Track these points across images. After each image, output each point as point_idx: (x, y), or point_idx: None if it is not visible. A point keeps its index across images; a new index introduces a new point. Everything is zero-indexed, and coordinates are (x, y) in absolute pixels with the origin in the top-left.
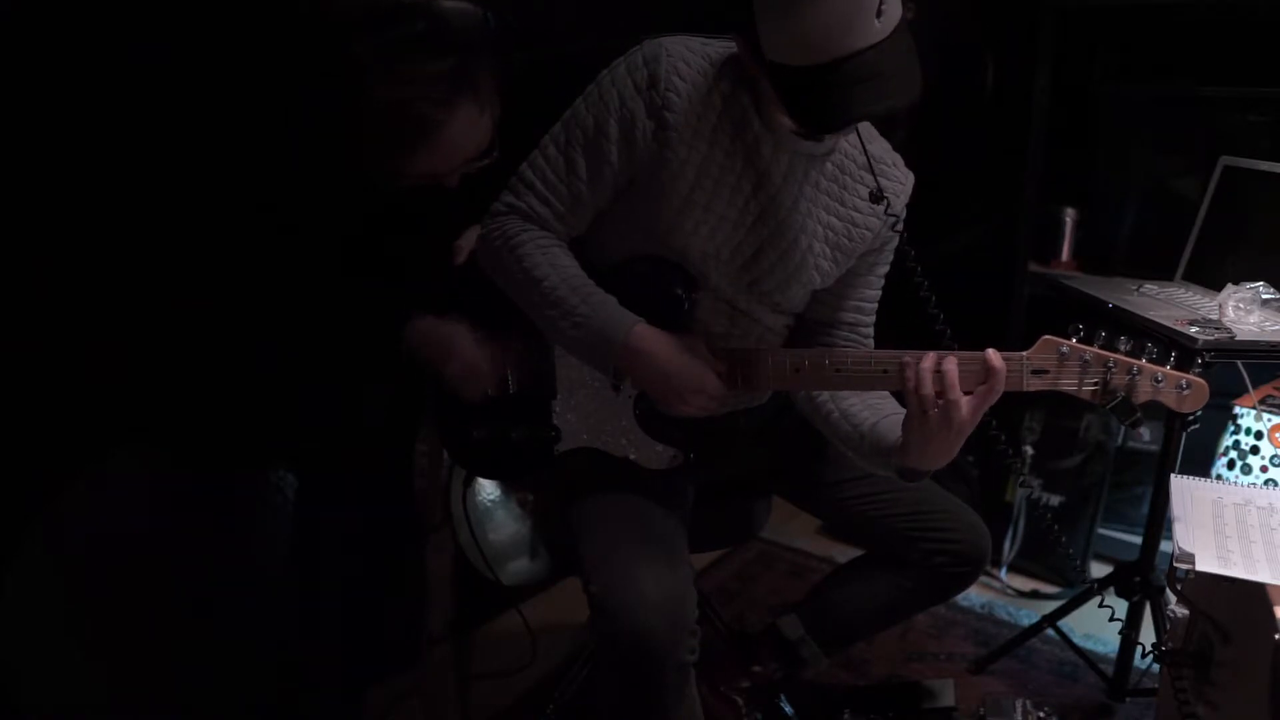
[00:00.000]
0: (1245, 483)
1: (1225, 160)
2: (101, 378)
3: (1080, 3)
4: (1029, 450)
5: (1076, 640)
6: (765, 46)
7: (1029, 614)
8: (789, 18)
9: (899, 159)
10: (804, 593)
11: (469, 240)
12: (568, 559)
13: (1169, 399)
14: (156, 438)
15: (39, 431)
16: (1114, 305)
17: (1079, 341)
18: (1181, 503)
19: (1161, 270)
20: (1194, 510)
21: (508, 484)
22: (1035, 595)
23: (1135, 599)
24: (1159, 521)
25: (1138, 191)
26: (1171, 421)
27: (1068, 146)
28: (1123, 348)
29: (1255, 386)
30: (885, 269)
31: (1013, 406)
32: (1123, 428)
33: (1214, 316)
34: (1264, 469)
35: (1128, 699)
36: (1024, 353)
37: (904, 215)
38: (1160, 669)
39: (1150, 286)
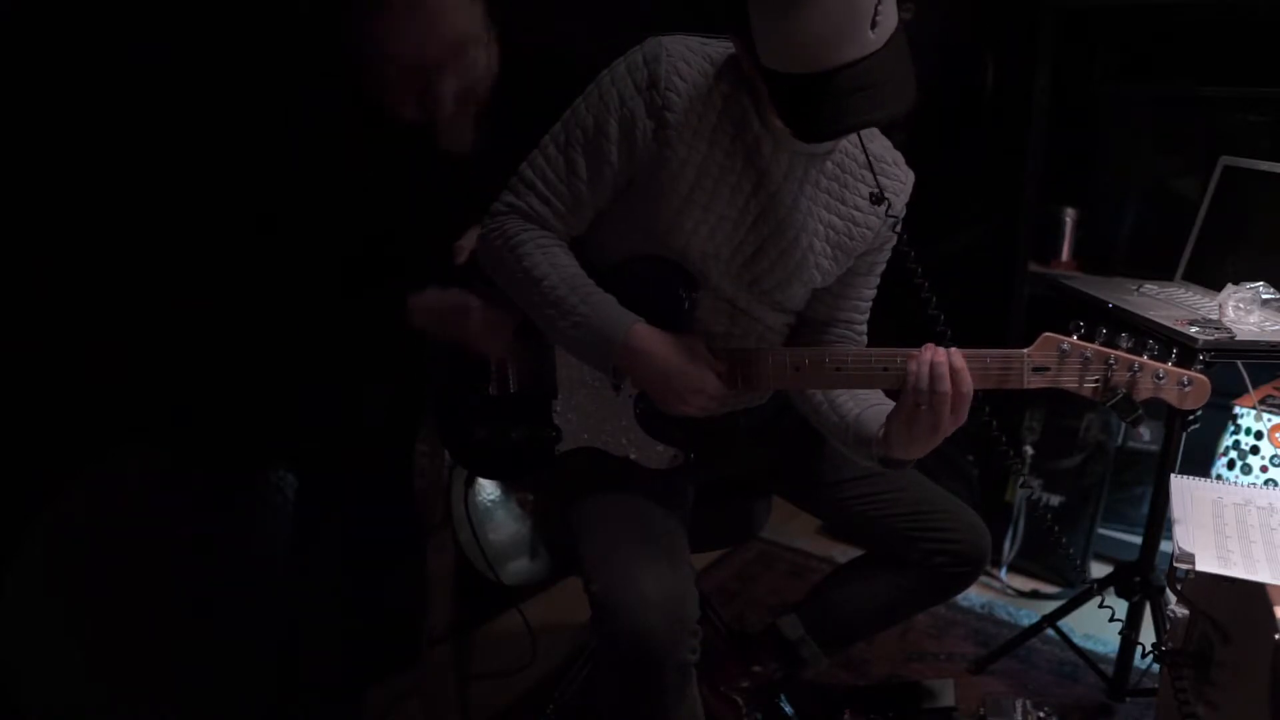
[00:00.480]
0: (1245, 483)
1: (1225, 160)
2: (101, 378)
3: (1080, 3)
4: (1029, 450)
5: (1076, 640)
6: (760, 52)
7: (1029, 614)
8: (782, 26)
9: (899, 157)
10: (804, 593)
11: (470, 240)
12: (568, 559)
13: (1170, 396)
14: (156, 438)
15: (39, 431)
16: (1114, 305)
17: (1080, 339)
18: (1181, 503)
19: (1161, 270)
20: (1194, 510)
21: (508, 484)
22: (1035, 595)
23: (1135, 599)
24: (1159, 521)
25: (1138, 191)
26: (1172, 421)
27: (1068, 146)
28: (1124, 345)
29: (1255, 386)
30: (883, 267)
31: (1013, 406)
32: (1123, 427)
33: (1214, 316)
34: (1264, 469)
35: (1128, 699)
36: (1025, 350)
37: (904, 214)
38: (1160, 669)
39: (1150, 286)
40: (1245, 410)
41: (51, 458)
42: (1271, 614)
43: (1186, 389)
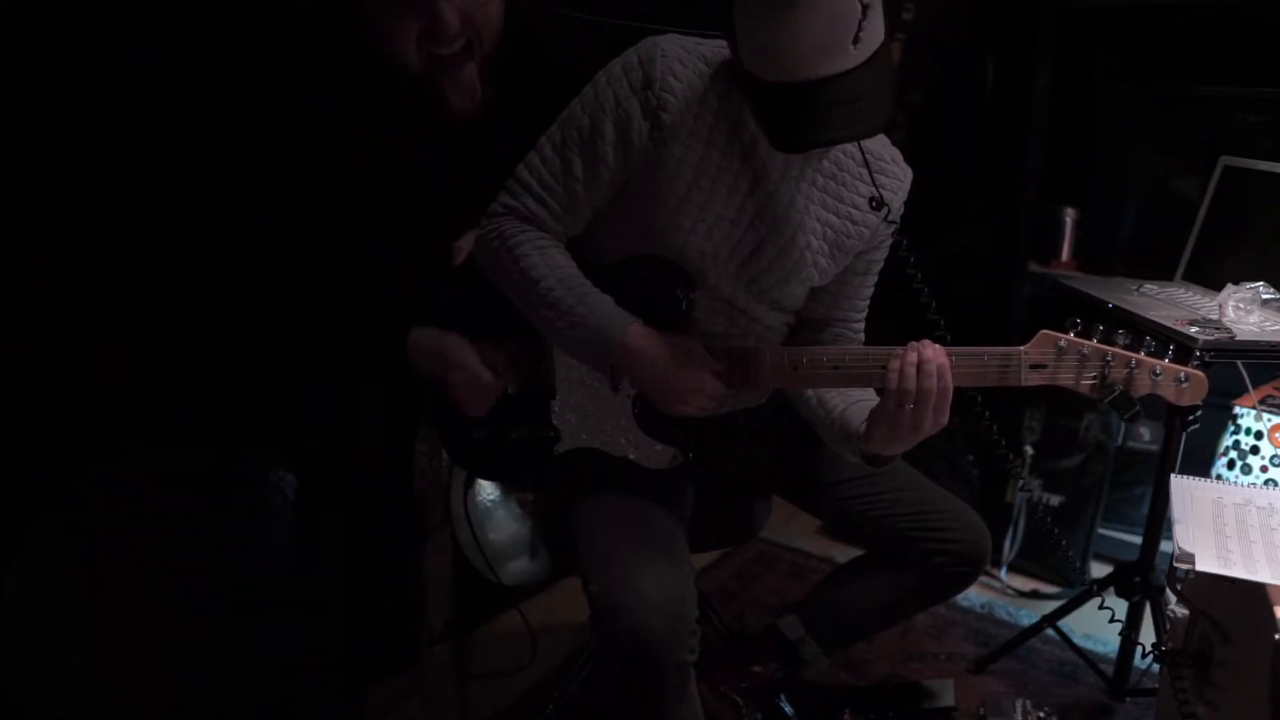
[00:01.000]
0: (1245, 483)
1: (1225, 160)
2: (102, 377)
3: (1080, 3)
4: (1029, 450)
5: (1076, 640)
6: (744, 57)
7: (1029, 614)
8: (763, 34)
9: (897, 154)
10: (804, 593)
11: (468, 242)
12: (568, 559)
13: (1168, 392)
14: (156, 438)
15: (39, 431)
16: (1114, 305)
17: (1077, 335)
18: (1181, 503)
19: (1161, 270)
20: (1194, 510)
21: (507, 484)
22: (1035, 595)
23: (1135, 599)
24: (1159, 521)
25: (1138, 191)
26: (1171, 421)
27: (1068, 146)
28: (1121, 341)
29: (1255, 386)
30: (880, 265)
31: (1013, 406)
32: (1123, 427)
33: (1214, 316)
34: (1264, 469)
35: (1128, 699)
36: (1022, 347)
37: (902, 211)
38: (1160, 669)
39: (1150, 286)
40: (1245, 410)
41: (51, 458)
42: (1271, 614)
43: (1183, 385)
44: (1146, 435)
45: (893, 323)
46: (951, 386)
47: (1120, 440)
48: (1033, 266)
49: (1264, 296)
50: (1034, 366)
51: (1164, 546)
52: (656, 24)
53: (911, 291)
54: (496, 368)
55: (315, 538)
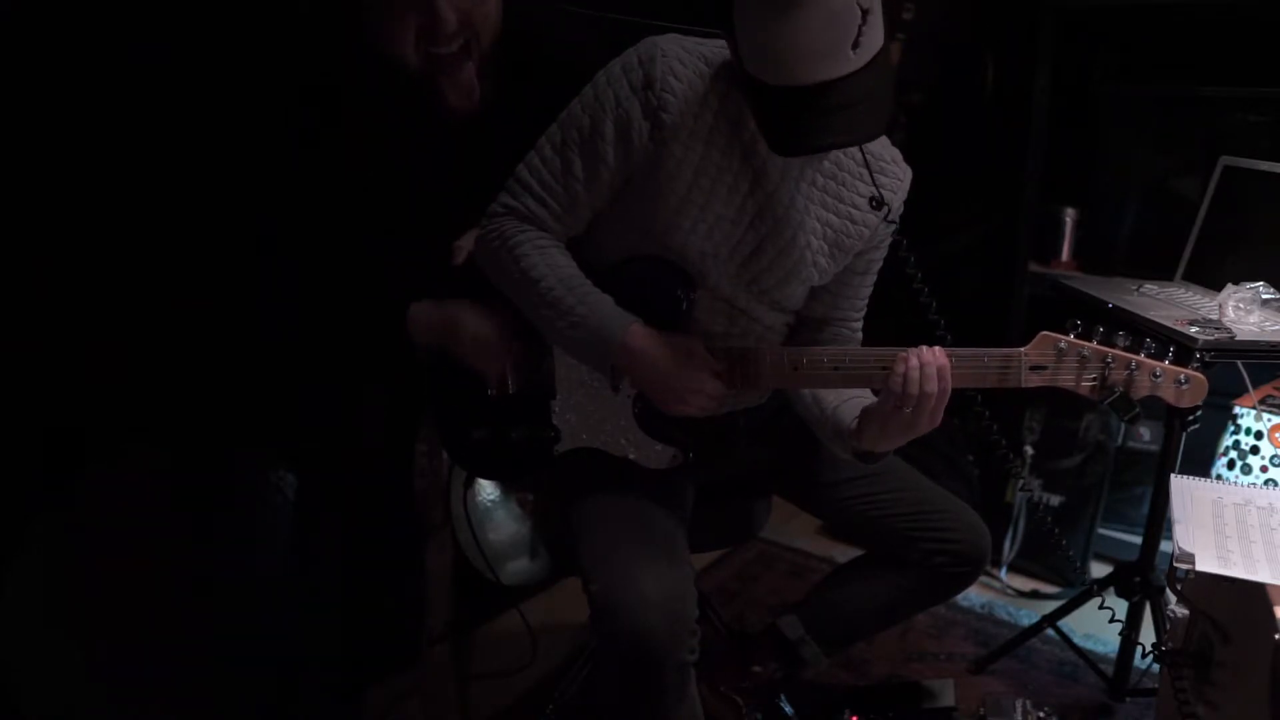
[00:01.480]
0: (1245, 483)
1: (1225, 160)
2: (102, 377)
3: (1080, 3)
4: (1029, 450)
5: (1076, 640)
6: (744, 58)
7: (1029, 614)
8: (762, 37)
9: (897, 154)
10: (804, 593)
11: (468, 241)
12: (568, 559)
13: (1168, 394)
14: (157, 437)
15: (39, 431)
16: (1114, 305)
17: (1077, 337)
18: (1181, 503)
19: (1161, 270)
20: (1194, 510)
21: (508, 484)
22: (1035, 595)
23: (1135, 599)
24: (1159, 521)
25: (1138, 191)
26: (1171, 421)
27: (1068, 146)
28: (1121, 343)
29: (1255, 386)
30: (880, 265)
31: (1013, 407)
32: (1123, 427)
33: (1214, 316)
34: (1264, 469)
35: (1128, 699)
36: (1022, 349)
37: (901, 211)
38: (1160, 669)
39: (1150, 286)
40: (1245, 410)
41: (51, 458)
42: (1271, 614)
43: (1183, 387)
44: (1146, 435)
45: (893, 323)
46: (950, 389)
47: (1120, 440)
48: (1033, 266)
49: (1264, 296)
50: (1034, 368)
51: (1164, 546)
52: (656, 20)
53: (911, 292)
54: (504, 322)
55: (315, 538)
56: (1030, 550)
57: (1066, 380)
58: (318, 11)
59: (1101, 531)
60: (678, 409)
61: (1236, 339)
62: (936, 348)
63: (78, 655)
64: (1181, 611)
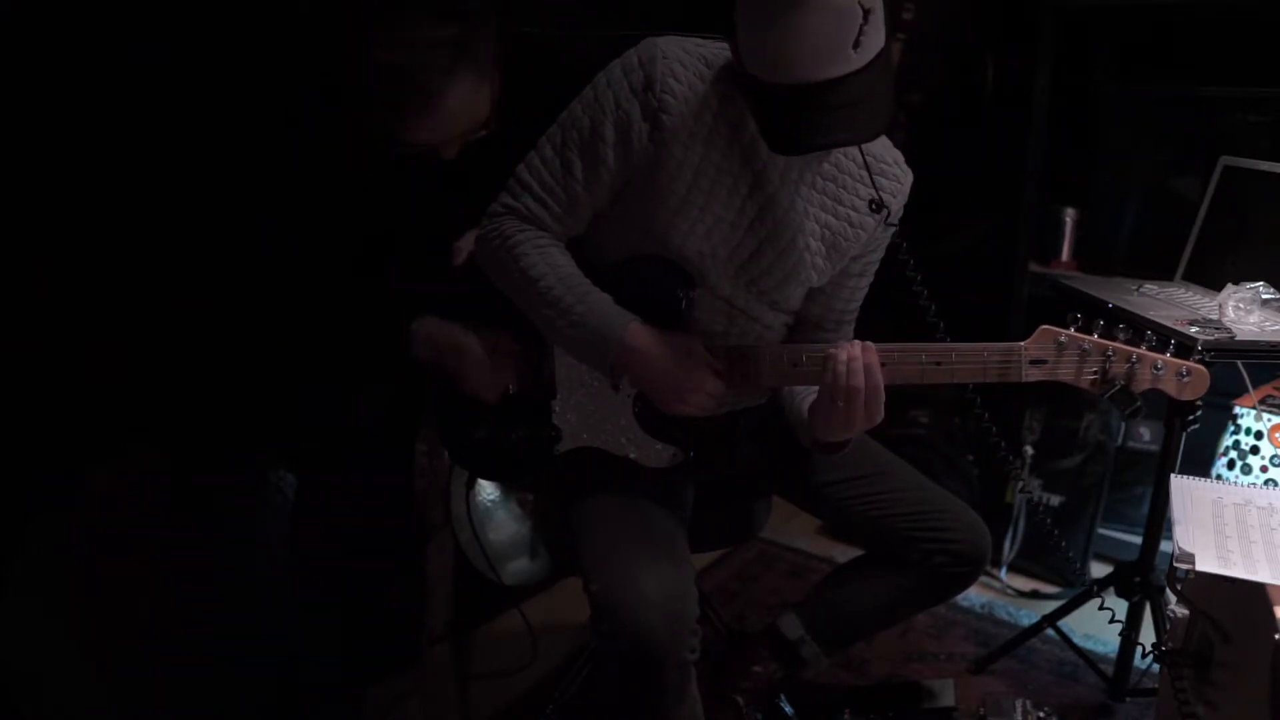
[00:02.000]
0: (1245, 483)
1: (1225, 160)
2: (102, 378)
3: (1080, 3)
4: (1029, 450)
5: (1076, 640)
6: (744, 58)
7: (1029, 614)
8: (764, 36)
9: (899, 156)
10: (804, 593)
11: (468, 242)
12: (568, 559)
13: (1169, 386)
14: (156, 438)
15: (39, 431)
16: (1114, 305)
17: (1077, 331)
18: (1181, 503)
19: (1161, 270)
20: (1194, 510)
21: (508, 484)
22: (1035, 595)
23: (1135, 599)
24: (1159, 521)
25: (1138, 191)
26: (1172, 421)
27: (1068, 146)
28: (1121, 336)
29: (1255, 386)
30: (876, 267)
31: (1012, 406)
32: (1123, 427)
33: (1214, 316)
34: (1264, 469)
35: (1128, 699)
36: (1022, 343)
37: (901, 214)
38: (1160, 669)
39: (1150, 286)
40: (1245, 410)
41: (51, 458)
42: (1271, 614)
43: (1185, 379)
44: (1146, 435)
45: (893, 323)
46: (881, 386)
47: (1120, 440)
48: (1033, 266)
49: (1264, 296)
50: (1034, 362)
51: (1164, 546)
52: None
53: (911, 293)
54: (503, 354)
55: (315, 538)
56: (1030, 550)
57: (1067, 374)
58: (318, 10)
59: (1101, 531)
60: (677, 408)
61: (1236, 339)
62: (867, 343)
63: (77, 655)
64: (1181, 611)
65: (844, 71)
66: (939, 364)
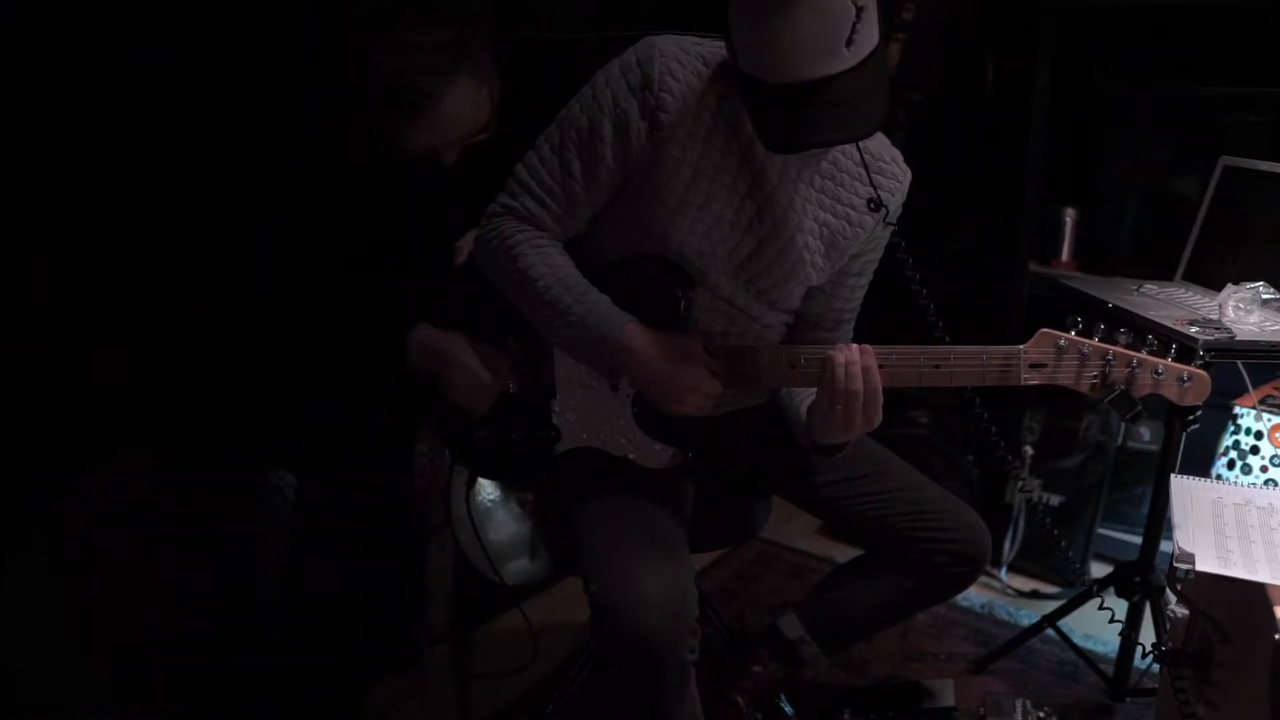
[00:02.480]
0: (1245, 483)
1: (1225, 160)
2: (102, 377)
3: (1080, 3)
4: (1029, 450)
5: (1076, 640)
6: (739, 56)
7: (1029, 614)
8: (757, 34)
9: (898, 155)
10: (804, 593)
11: (468, 242)
12: (568, 559)
13: (1170, 392)
14: (156, 438)
15: (39, 431)
16: (1114, 305)
17: (1077, 334)
18: (1181, 503)
19: (1161, 270)
20: (1194, 510)
21: (508, 484)
22: (1035, 595)
23: (1135, 599)
24: (1159, 521)
25: (1138, 191)
26: (1171, 421)
27: (1068, 146)
28: (1122, 340)
29: (1255, 386)
30: (875, 266)
31: (1012, 407)
32: (1123, 427)
33: (1214, 316)
34: (1264, 469)
35: (1128, 699)
36: (1021, 346)
37: (900, 213)
38: (1160, 669)
39: (1150, 286)
40: (1245, 410)
41: (51, 458)
42: (1271, 614)
43: (1186, 385)
44: (1146, 435)
45: (893, 323)
46: (880, 389)
47: (1120, 440)
48: (1033, 266)
49: (1264, 296)
50: (1033, 366)
51: (1164, 546)
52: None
53: (911, 293)
54: (496, 368)
55: (315, 538)
56: (1030, 550)
57: (1066, 378)
58: (318, 12)
59: (1101, 531)
60: (676, 408)
61: (1236, 339)
62: (865, 346)
63: (78, 655)
64: (1181, 611)
65: (837, 70)
66: (938, 367)
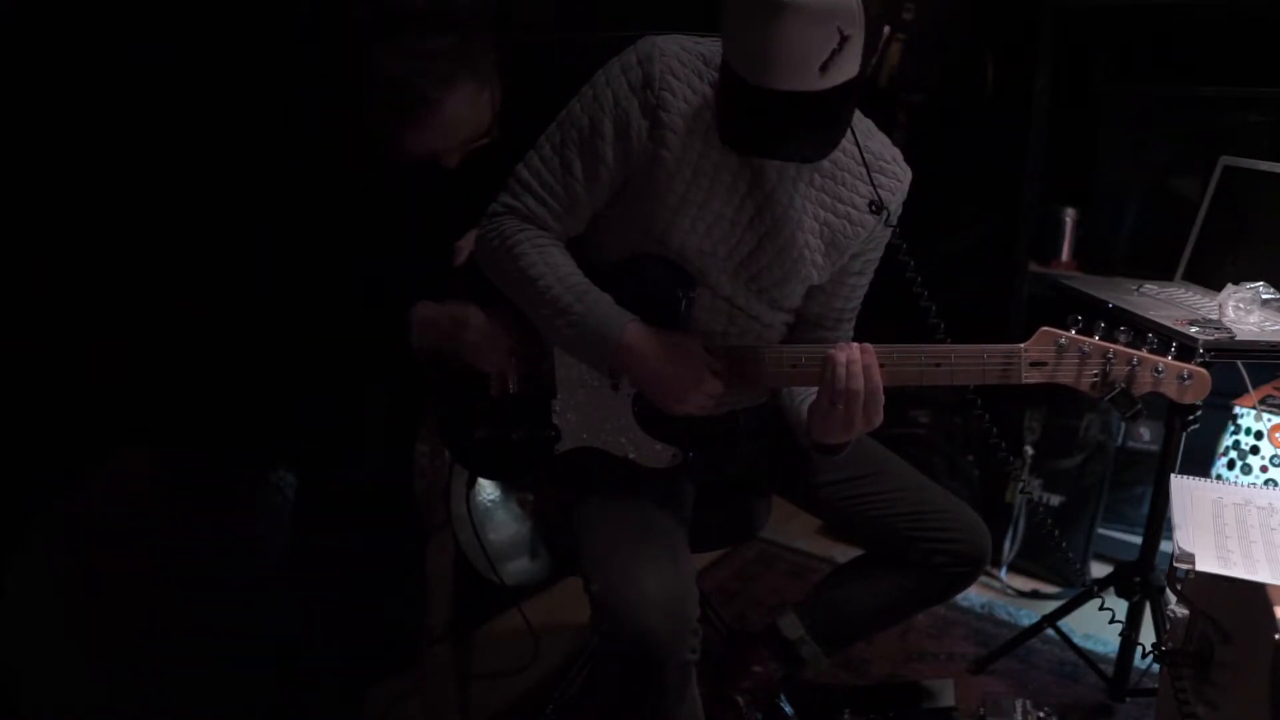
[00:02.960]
0: (1245, 483)
1: (1225, 160)
2: (102, 377)
3: (1080, 3)
4: (1029, 450)
5: (1076, 640)
6: (723, 44)
7: (1029, 614)
8: (740, 33)
9: (898, 154)
10: (804, 593)
11: (469, 241)
12: (568, 559)
13: (1170, 390)
14: (156, 437)
15: (39, 431)
16: (1114, 305)
17: (1078, 333)
18: (1181, 503)
19: (1161, 270)
20: (1194, 510)
21: (508, 484)
22: (1035, 595)
23: (1135, 599)
24: (1159, 521)
25: (1138, 191)
26: (1172, 421)
27: (1068, 146)
28: (1122, 339)
29: (1255, 386)
30: (876, 265)
31: (1013, 406)
32: (1123, 427)
33: (1214, 316)
34: (1264, 469)
35: (1128, 699)
36: (1022, 345)
37: (900, 212)
38: (1160, 669)
39: (1150, 286)
40: (1245, 410)
41: (52, 457)
42: (1271, 614)
43: (1186, 383)
44: (1146, 435)
45: (893, 323)
46: (881, 388)
47: (1120, 440)
48: (1033, 266)
49: (1264, 296)
50: (1034, 364)
51: (1164, 546)
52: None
53: (912, 294)
54: (504, 323)
55: (315, 538)
56: (1030, 550)
57: (1066, 376)
58: (317, 14)
59: (1101, 531)
60: (676, 408)
61: (1236, 339)
62: (866, 345)
63: (78, 655)
64: (1181, 611)
65: (805, 88)
66: (938, 365)
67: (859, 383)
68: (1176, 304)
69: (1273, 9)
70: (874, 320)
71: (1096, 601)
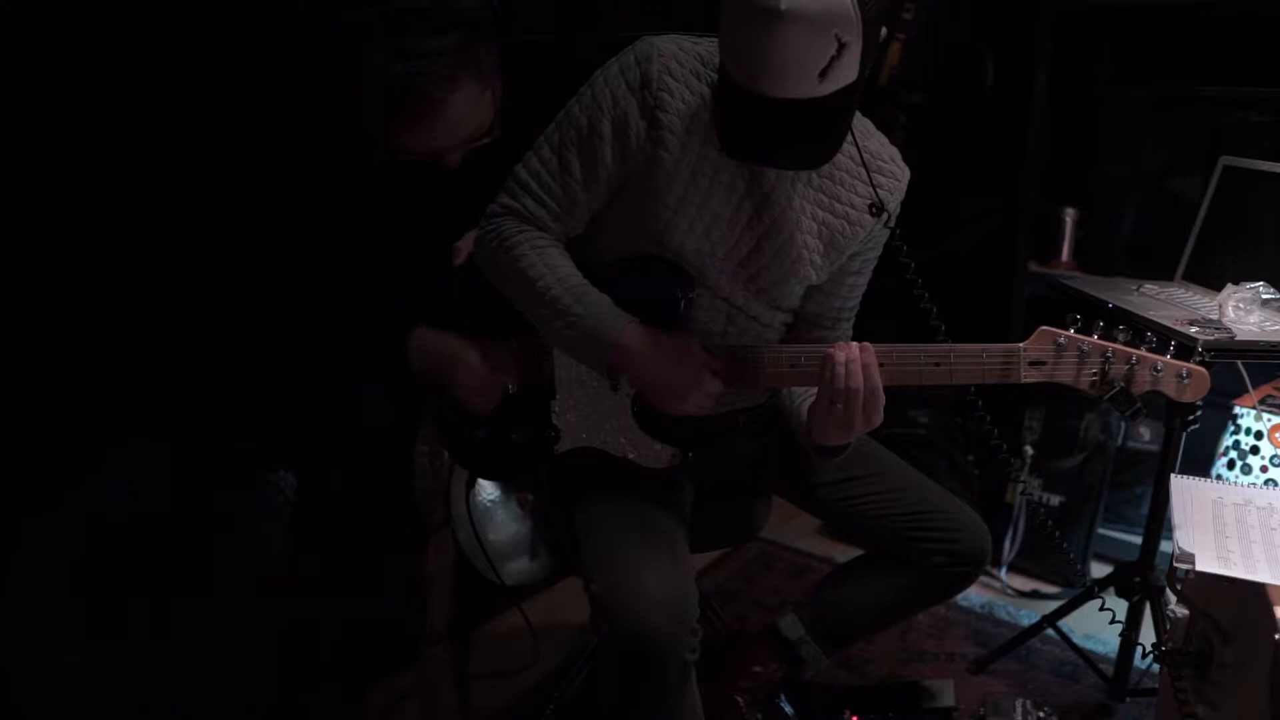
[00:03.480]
0: (1245, 483)
1: (1225, 160)
2: (102, 376)
3: (1080, 2)
4: (1029, 450)
5: (1076, 640)
6: (720, 48)
7: (1029, 614)
8: (738, 38)
9: (896, 154)
10: (804, 593)
11: (468, 242)
12: (568, 559)
13: (1169, 388)
14: (156, 437)
15: (39, 430)
16: (1114, 305)
17: (1077, 332)
18: (1181, 503)
19: (1161, 270)
20: (1194, 510)
21: (508, 484)
22: (1035, 595)
23: (1135, 599)
24: (1159, 521)
25: (1138, 191)
26: (1171, 421)
27: (1068, 146)
28: (1121, 338)
29: (1255, 386)
30: (874, 265)
31: (1013, 406)
32: (1123, 427)
33: (1214, 316)
34: (1264, 469)
35: (1128, 699)
36: (1021, 344)
37: (899, 211)
38: (1160, 669)
39: (1150, 286)
40: (1245, 410)
41: (52, 456)
42: (1271, 614)
43: (1185, 381)
44: (1146, 435)
45: (893, 323)
46: (880, 387)
47: (1120, 440)
48: (1033, 266)
49: (1264, 296)
50: (1033, 363)
51: (1164, 546)
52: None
53: (912, 294)
54: (500, 363)
55: (315, 538)
56: (1030, 550)
57: (1065, 375)
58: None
59: (1101, 531)
60: (675, 408)
61: (1236, 339)
62: (865, 344)
63: (77, 655)
64: (1181, 611)
65: (804, 95)
66: (938, 365)
67: (858, 382)
68: (1176, 304)
69: (1273, 9)
70: (874, 320)
71: (1096, 601)
